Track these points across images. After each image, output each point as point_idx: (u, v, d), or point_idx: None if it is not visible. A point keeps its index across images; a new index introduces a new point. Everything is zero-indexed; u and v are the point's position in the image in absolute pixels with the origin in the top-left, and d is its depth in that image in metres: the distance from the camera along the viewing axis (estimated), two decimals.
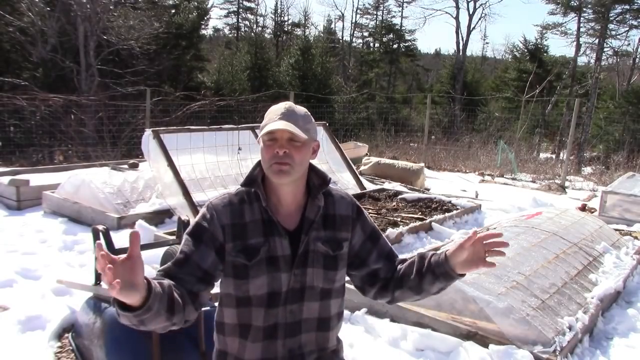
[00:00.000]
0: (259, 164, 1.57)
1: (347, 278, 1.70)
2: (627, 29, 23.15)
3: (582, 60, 25.30)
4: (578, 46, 23.30)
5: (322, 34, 27.17)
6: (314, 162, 1.62)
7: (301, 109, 1.55)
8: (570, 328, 3.14)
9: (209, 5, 19.46)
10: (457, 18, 27.31)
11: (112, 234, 2.79)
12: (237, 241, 1.50)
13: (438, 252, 1.63)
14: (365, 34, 36.35)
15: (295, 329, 1.54)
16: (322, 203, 1.58)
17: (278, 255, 1.50)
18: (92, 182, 5.74)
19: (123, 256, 1.20)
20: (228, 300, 1.55)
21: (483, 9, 38.37)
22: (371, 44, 36.21)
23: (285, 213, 1.55)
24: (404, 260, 1.70)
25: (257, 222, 1.52)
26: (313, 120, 1.58)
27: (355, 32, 34.81)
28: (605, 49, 22.72)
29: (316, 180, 1.60)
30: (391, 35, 33.90)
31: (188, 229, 1.53)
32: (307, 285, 1.54)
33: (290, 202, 1.55)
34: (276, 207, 1.55)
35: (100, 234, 2.68)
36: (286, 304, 1.52)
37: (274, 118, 1.48)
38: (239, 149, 6.39)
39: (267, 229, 1.51)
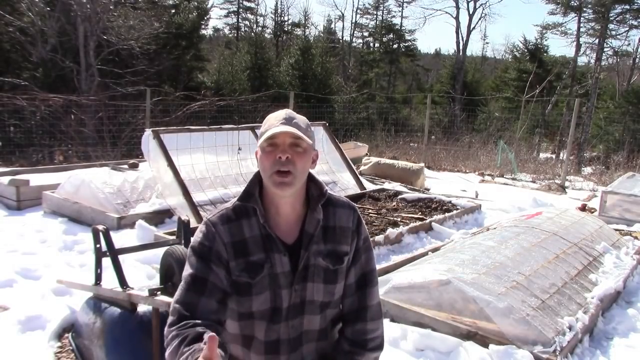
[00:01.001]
0: (255, 176, 1.52)
1: None
2: (627, 29, 23.19)
3: (582, 60, 25.35)
4: (578, 46, 23.31)
5: (322, 34, 27.20)
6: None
7: (302, 117, 1.50)
8: (570, 328, 3.15)
9: (209, 5, 19.48)
10: (457, 18, 27.34)
11: (112, 234, 2.80)
12: (240, 259, 1.45)
13: None
14: (365, 34, 36.36)
15: (297, 342, 1.53)
16: (321, 216, 1.53)
17: (278, 272, 1.47)
18: (92, 182, 5.74)
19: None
20: (230, 313, 1.51)
21: (483, 9, 38.38)
22: (371, 44, 36.22)
23: (284, 226, 1.51)
24: (358, 312, 1.60)
25: (257, 238, 1.47)
26: (312, 130, 1.53)
27: (355, 32, 34.85)
28: (605, 49, 22.73)
29: (315, 191, 1.54)
30: (391, 35, 33.89)
31: (192, 251, 1.46)
32: (307, 300, 1.51)
33: (289, 213, 1.50)
34: (275, 220, 1.50)
35: (100, 234, 2.68)
36: (288, 319, 1.50)
37: (275, 124, 1.43)
38: (239, 149, 6.39)
39: (267, 245, 1.47)
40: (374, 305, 1.62)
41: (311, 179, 1.55)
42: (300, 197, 1.52)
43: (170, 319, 1.40)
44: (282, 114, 1.48)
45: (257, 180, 1.52)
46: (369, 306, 1.60)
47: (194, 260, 1.45)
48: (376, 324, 1.61)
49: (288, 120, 1.44)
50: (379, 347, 1.62)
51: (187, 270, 1.46)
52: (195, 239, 1.48)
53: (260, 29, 34.19)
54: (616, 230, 5.78)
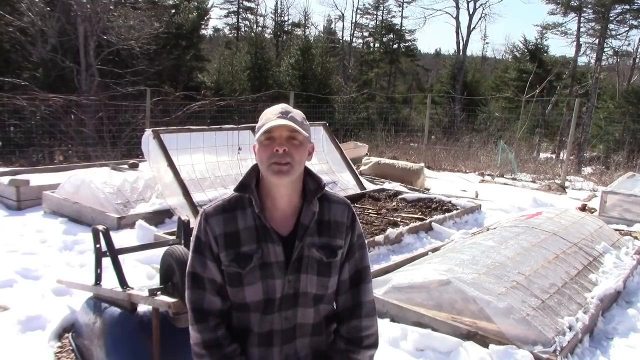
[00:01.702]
0: (253, 168, 1.56)
1: None
2: (627, 29, 23.21)
3: (582, 60, 25.39)
4: (578, 46, 23.32)
5: (322, 34, 27.20)
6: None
7: (297, 111, 1.54)
8: (570, 328, 3.15)
9: (209, 5, 19.46)
10: (457, 18, 27.31)
11: (112, 234, 2.80)
12: (230, 250, 1.49)
13: None
14: (365, 34, 36.39)
15: (290, 335, 1.54)
16: (317, 208, 1.56)
17: (271, 262, 1.50)
18: (92, 182, 5.74)
19: None
20: None
21: (483, 9, 38.31)
22: (371, 44, 36.22)
23: (280, 217, 1.54)
24: (352, 309, 1.61)
25: (251, 229, 1.51)
26: (308, 123, 1.58)
27: (355, 32, 34.86)
28: (605, 49, 22.74)
29: (312, 185, 1.57)
30: (391, 35, 33.89)
31: (192, 246, 1.54)
32: (301, 292, 1.53)
33: (285, 205, 1.54)
34: (270, 212, 1.53)
35: (100, 234, 2.68)
36: (281, 310, 1.52)
37: (272, 118, 1.48)
38: (239, 149, 6.39)
39: (261, 235, 1.50)
40: (368, 302, 1.63)
41: (308, 173, 1.58)
42: (297, 190, 1.55)
43: (189, 317, 1.54)
44: (278, 108, 1.52)
45: (254, 173, 1.55)
46: (363, 302, 1.62)
47: (191, 256, 1.54)
48: (371, 320, 1.62)
49: (284, 114, 1.48)
50: (374, 344, 1.63)
51: (188, 266, 1.55)
52: (193, 231, 1.56)
53: (260, 29, 34.23)
54: (616, 230, 5.78)
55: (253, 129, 6.93)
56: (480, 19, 36.98)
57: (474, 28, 29.12)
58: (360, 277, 1.63)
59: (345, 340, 1.59)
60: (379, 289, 3.51)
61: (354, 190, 7.08)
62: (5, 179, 6.35)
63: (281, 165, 1.45)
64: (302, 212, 1.54)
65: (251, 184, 1.53)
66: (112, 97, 11.35)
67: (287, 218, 1.54)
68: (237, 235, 1.50)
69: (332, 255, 1.56)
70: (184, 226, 2.82)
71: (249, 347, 1.54)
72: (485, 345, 2.96)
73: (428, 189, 8.56)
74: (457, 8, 27.19)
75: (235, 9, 35.79)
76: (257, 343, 1.53)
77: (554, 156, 17.01)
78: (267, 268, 1.49)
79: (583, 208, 7.36)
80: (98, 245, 2.74)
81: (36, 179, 6.63)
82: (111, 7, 12.73)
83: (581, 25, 23.26)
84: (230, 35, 36.48)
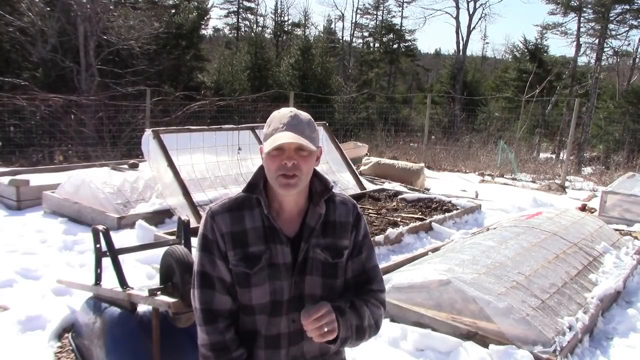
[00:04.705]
0: (260, 169, 1.54)
1: None
2: (627, 29, 23.20)
3: (582, 60, 25.36)
4: (578, 46, 23.31)
5: (322, 34, 27.13)
6: None
7: (305, 116, 1.51)
8: (570, 328, 3.15)
9: (209, 5, 19.48)
10: (457, 18, 27.31)
11: (112, 234, 2.80)
12: (237, 249, 1.48)
13: None
14: (365, 34, 36.37)
15: (297, 337, 1.53)
16: (324, 210, 1.55)
17: (279, 263, 1.49)
18: (92, 182, 5.74)
19: None
20: None
21: (483, 9, 38.41)
22: (371, 44, 36.22)
23: (286, 219, 1.53)
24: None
25: (258, 229, 1.50)
26: (316, 126, 1.55)
27: (355, 32, 34.86)
28: (605, 49, 22.73)
29: (318, 187, 1.56)
30: (391, 35, 33.89)
31: (198, 244, 1.52)
32: (306, 294, 1.52)
33: (292, 208, 1.53)
34: (277, 213, 1.52)
35: (100, 234, 2.68)
36: (288, 312, 1.51)
37: (280, 127, 1.44)
38: (239, 149, 6.39)
39: (269, 235, 1.49)
40: (379, 291, 1.63)
41: (315, 174, 1.57)
42: (304, 193, 1.54)
43: (197, 318, 1.52)
44: (286, 115, 1.47)
45: (261, 173, 1.54)
46: (374, 290, 1.62)
47: (199, 254, 1.52)
48: (380, 309, 1.61)
49: (292, 125, 1.45)
50: (383, 303, 1.62)
51: (195, 266, 1.53)
52: (199, 229, 1.54)
53: (260, 29, 34.23)
54: (616, 230, 5.78)
55: (253, 129, 6.95)
56: (480, 19, 37.07)
57: (474, 28, 29.15)
58: (369, 277, 1.62)
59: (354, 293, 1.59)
60: None
61: (354, 190, 7.08)
62: (5, 179, 6.35)
63: (289, 178, 1.43)
64: (308, 213, 1.53)
65: (259, 185, 1.52)
66: (112, 97, 11.35)
67: (293, 219, 1.53)
68: (244, 234, 1.49)
69: (337, 256, 1.55)
70: (184, 226, 2.82)
71: (256, 350, 1.53)
72: (485, 345, 2.96)
73: (428, 189, 8.56)
74: (457, 8, 27.22)
75: (235, 9, 35.79)
76: (265, 346, 1.52)
77: (554, 156, 17.01)
78: (275, 269, 1.48)
79: (583, 208, 7.36)
80: (98, 245, 2.74)
81: (36, 179, 6.63)
82: (111, 7, 12.73)
83: (581, 25, 23.28)
84: (230, 35, 36.48)
